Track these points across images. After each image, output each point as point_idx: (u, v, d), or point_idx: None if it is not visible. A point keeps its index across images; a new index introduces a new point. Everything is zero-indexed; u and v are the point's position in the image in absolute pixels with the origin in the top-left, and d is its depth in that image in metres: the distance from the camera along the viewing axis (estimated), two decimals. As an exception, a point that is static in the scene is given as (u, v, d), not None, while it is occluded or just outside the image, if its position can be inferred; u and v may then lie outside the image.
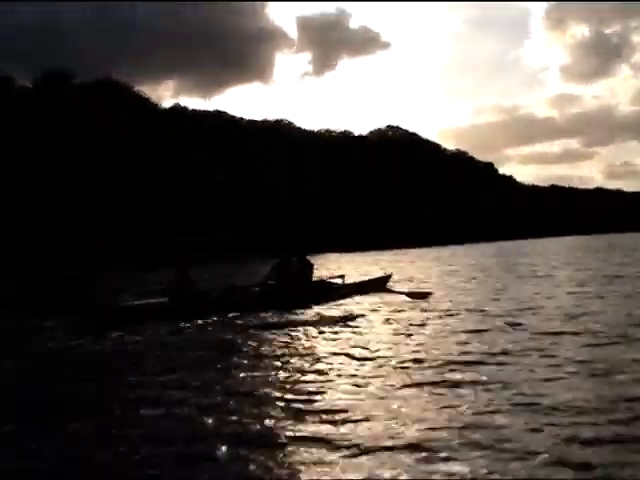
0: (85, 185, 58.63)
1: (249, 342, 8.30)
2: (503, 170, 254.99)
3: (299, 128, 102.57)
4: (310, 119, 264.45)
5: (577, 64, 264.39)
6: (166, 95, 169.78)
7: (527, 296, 12.68)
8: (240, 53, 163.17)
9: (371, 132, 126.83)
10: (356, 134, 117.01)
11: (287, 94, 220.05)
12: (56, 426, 4.92)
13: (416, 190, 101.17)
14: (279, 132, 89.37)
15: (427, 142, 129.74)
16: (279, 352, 7.53)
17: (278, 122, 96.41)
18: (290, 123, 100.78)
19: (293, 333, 8.93)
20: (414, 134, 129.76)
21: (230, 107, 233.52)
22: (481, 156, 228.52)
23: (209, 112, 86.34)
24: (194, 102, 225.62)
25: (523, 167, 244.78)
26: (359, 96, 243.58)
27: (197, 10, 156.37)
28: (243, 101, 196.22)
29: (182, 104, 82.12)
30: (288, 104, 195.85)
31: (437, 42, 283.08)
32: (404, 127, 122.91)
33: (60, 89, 63.43)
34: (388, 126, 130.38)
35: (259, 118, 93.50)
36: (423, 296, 12.55)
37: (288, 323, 9.84)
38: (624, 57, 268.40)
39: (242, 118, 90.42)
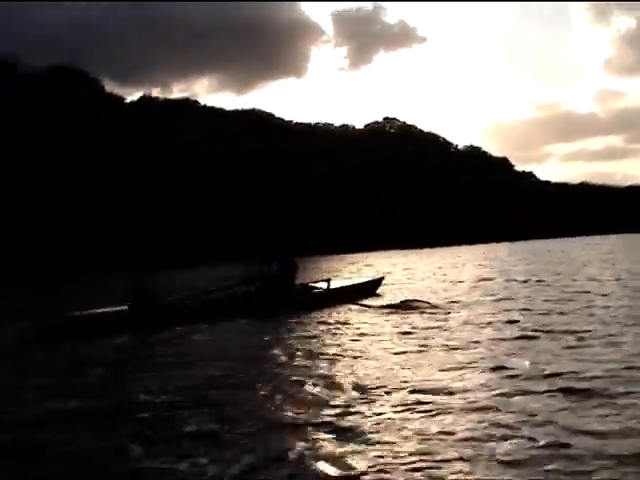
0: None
1: (214, 360, 7.44)
2: (542, 168, 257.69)
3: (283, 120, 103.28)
4: (345, 113, 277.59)
5: (621, 57, 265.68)
6: (201, 92, 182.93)
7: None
8: (275, 48, 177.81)
9: (366, 125, 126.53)
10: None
11: (322, 89, 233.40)
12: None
13: (418, 189, 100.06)
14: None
15: (428, 135, 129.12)
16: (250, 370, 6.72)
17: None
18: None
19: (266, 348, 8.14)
20: (412, 126, 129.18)
21: (264, 103, 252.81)
22: (520, 154, 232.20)
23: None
24: (228, 99, 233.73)
25: (563, 165, 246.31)
26: (394, 90, 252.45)
27: (232, 6, 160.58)
28: (277, 97, 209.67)
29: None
30: (323, 99, 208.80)
31: (474, 37, 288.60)
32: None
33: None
34: (385, 118, 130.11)
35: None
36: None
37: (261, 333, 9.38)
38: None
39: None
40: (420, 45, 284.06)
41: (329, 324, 9.84)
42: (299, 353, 7.43)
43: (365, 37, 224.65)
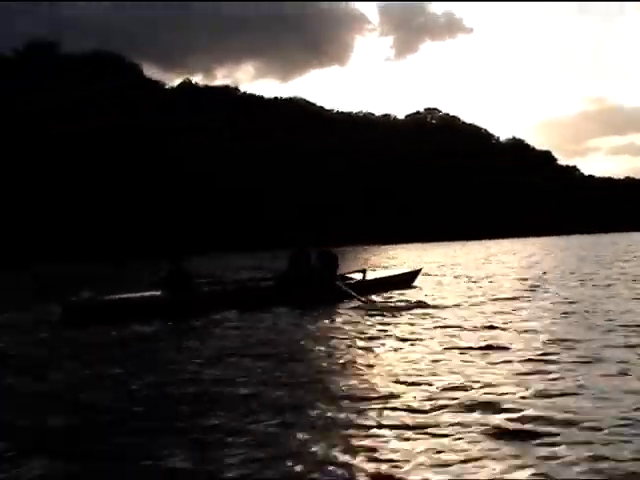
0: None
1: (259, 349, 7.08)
2: (587, 162, 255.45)
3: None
4: (388, 102, 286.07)
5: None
6: (244, 79, 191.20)
7: None
8: (319, 36, 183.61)
9: (407, 116, 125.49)
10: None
11: (366, 78, 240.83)
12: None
13: (455, 180, 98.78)
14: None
15: (470, 127, 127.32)
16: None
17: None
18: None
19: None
20: (454, 117, 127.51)
21: (306, 91, 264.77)
22: (565, 147, 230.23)
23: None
24: (270, 86, 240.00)
25: (608, 159, 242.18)
26: (439, 81, 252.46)
27: (290, 6, 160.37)
28: (320, 84, 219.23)
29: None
30: (367, 88, 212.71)
31: (521, 29, 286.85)
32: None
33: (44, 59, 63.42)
34: (426, 109, 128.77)
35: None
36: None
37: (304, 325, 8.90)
38: None
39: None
40: (467, 35, 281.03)
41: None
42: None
43: (411, 27, 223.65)
